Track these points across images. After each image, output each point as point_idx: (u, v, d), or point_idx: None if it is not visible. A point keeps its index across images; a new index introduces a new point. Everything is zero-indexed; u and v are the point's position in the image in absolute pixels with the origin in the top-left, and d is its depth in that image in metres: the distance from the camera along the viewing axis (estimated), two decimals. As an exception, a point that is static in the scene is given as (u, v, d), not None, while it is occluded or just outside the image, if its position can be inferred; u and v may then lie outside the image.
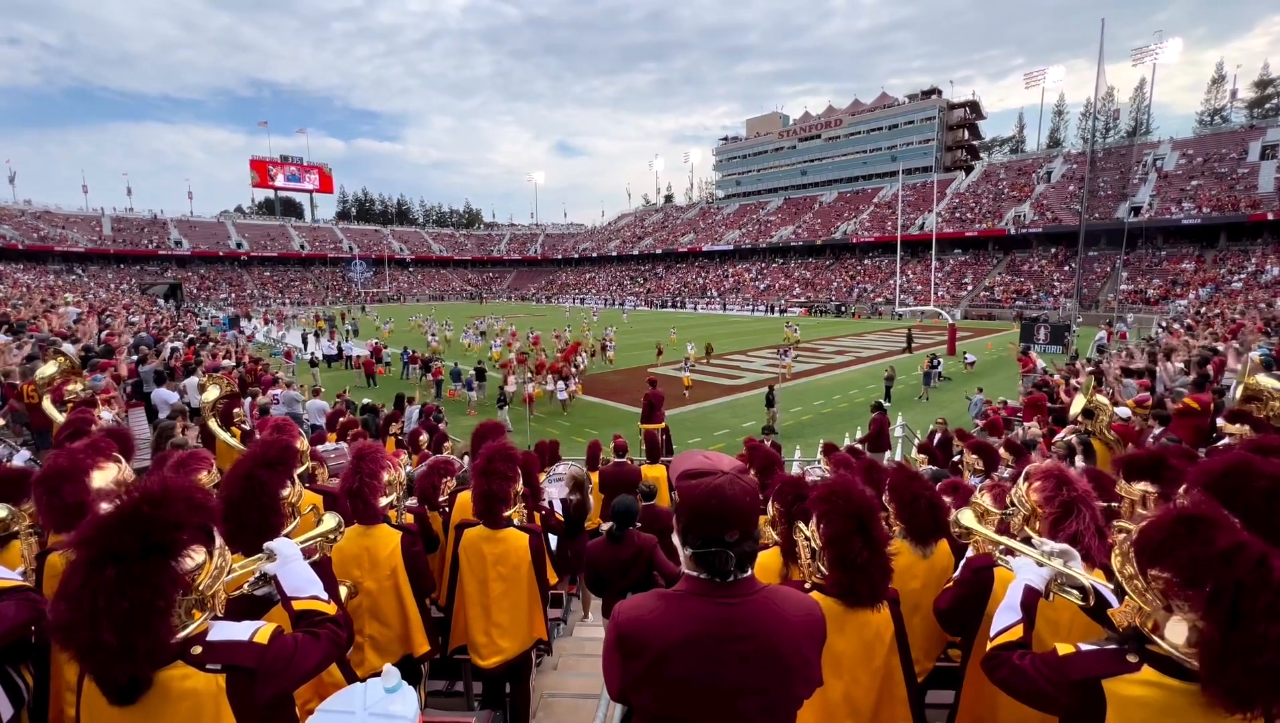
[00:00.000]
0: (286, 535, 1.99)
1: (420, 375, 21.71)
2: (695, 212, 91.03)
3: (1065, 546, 1.78)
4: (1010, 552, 1.95)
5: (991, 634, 1.71)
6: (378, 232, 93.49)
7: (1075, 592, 1.74)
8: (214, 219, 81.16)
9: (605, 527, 3.82)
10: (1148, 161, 50.04)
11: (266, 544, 1.73)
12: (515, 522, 2.94)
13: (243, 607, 1.87)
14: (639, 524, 3.70)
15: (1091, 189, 43.95)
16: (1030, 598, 1.72)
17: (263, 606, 1.93)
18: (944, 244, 52.79)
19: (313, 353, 24.78)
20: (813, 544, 2.02)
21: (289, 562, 1.72)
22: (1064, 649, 1.50)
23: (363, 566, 2.60)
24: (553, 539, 4.37)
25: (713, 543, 1.37)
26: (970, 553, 2.43)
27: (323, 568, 2.02)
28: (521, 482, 3.03)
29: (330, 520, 2.12)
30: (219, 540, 1.47)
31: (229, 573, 1.56)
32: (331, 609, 1.73)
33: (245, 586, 1.75)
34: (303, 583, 1.72)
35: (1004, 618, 1.71)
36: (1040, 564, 1.75)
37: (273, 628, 1.51)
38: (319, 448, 4.19)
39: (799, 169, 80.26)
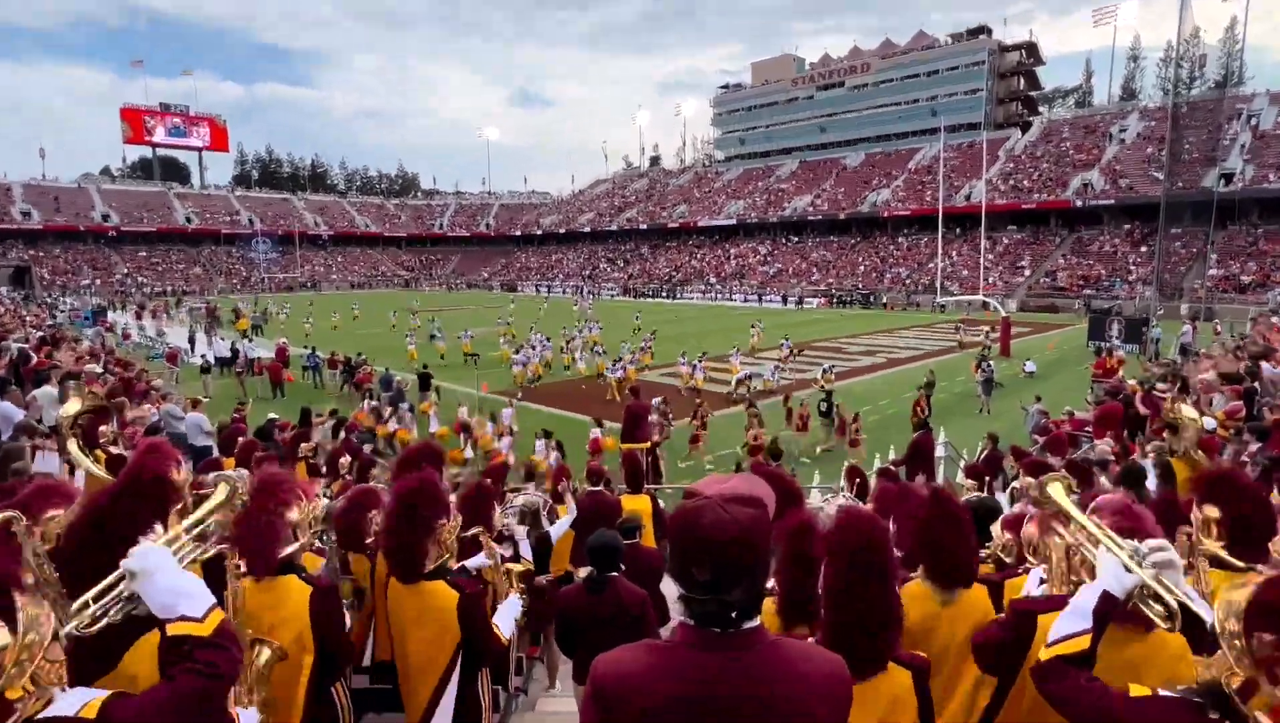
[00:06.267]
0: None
1: (341, 383, 21.50)
2: (689, 177, 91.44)
3: (1171, 552, 1.82)
4: (1094, 542, 2.02)
5: (1050, 639, 1.81)
6: (286, 201, 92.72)
7: (1158, 608, 1.78)
8: (73, 184, 79.67)
9: (581, 572, 3.80)
10: (1241, 118, 51.38)
11: (124, 563, 1.71)
12: (448, 575, 2.89)
13: (112, 637, 1.83)
14: (623, 567, 3.69)
15: (1173, 152, 44.93)
16: (1107, 606, 1.78)
17: (145, 625, 1.91)
18: (996, 218, 53.58)
19: (204, 356, 24.43)
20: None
21: (149, 576, 1.70)
22: (1138, 691, 1.62)
23: (259, 626, 2.53)
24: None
25: (689, 584, 1.41)
26: (1032, 585, 2.49)
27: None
28: (456, 524, 3.00)
29: (220, 492, 2.12)
30: (28, 611, 1.45)
31: (81, 617, 1.64)
32: (204, 629, 1.70)
33: (114, 611, 1.74)
34: (168, 599, 1.70)
35: (1069, 623, 1.80)
36: (1128, 569, 1.80)
37: (104, 698, 1.51)
38: (214, 478, 4.13)
39: (817, 125, 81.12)
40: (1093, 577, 2.12)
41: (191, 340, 30.03)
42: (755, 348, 28.66)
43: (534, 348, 24.26)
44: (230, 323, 37.97)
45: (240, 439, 7.60)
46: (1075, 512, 2.16)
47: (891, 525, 3.51)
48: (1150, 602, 1.79)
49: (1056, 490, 2.24)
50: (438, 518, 2.83)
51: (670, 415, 15.70)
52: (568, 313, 45.79)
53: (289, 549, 2.62)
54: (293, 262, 78.38)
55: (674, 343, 27.88)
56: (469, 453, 13.55)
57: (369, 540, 3.70)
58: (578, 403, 19.82)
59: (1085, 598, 1.81)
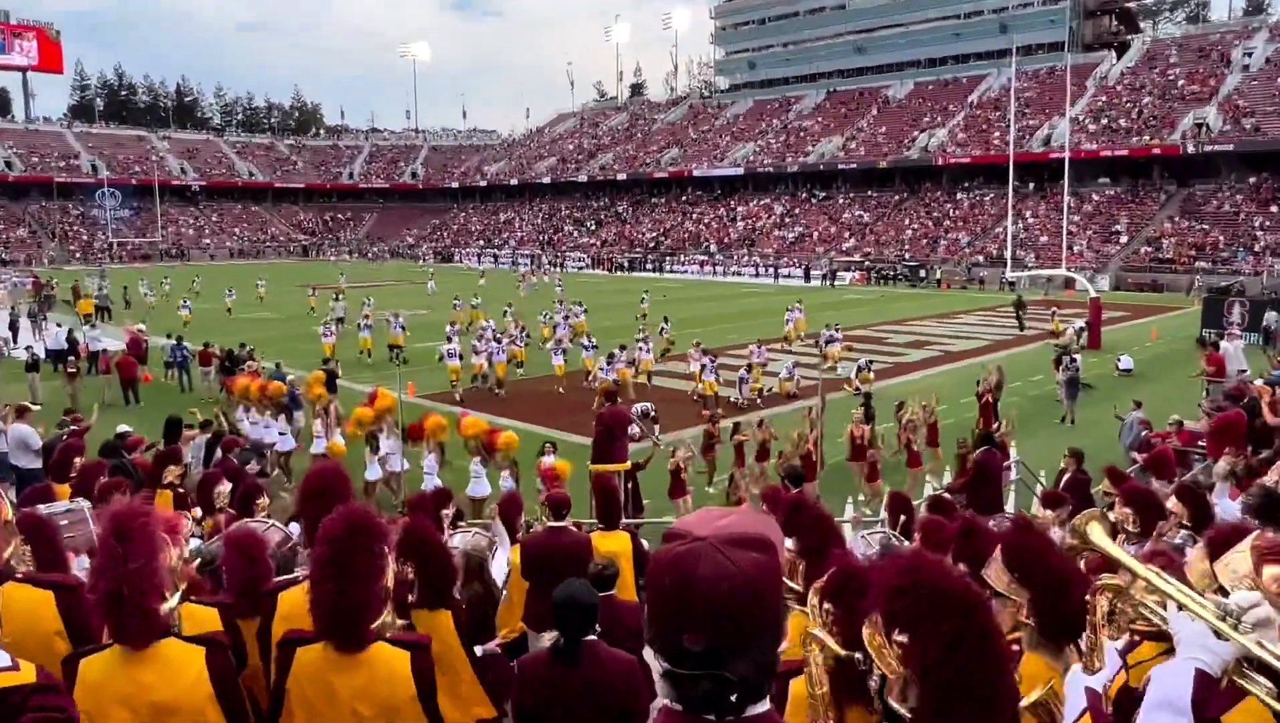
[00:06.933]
0: None
1: (219, 386, 21.30)
2: (683, 112, 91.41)
3: (1267, 606, 1.79)
4: (1166, 604, 1.99)
5: None
6: (143, 140, 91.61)
7: (1264, 682, 1.75)
8: None
9: (545, 637, 3.77)
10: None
11: None
12: (387, 633, 2.92)
13: None
14: (598, 629, 3.69)
15: (1312, 83, 45.32)
16: (1207, 691, 1.72)
17: None
18: (1083, 168, 54.11)
19: (30, 348, 24.08)
20: (880, 665, 2.01)
21: None
22: None
23: (139, 710, 2.55)
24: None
25: (677, 656, 1.37)
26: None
27: None
28: (397, 570, 3.00)
29: None
30: None
31: None
32: (27, 675, 1.77)
33: None
34: None
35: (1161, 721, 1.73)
36: (1220, 636, 1.76)
37: None
38: (43, 509, 4.07)
39: (851, 44, 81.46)
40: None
41: (14, 327, 29.55)
42: (791, 338, 28.45)
43: (497, 341, 23.53)
44: (67, 304, 37.41)
45: (78, 460, 7.50)
46: (1128, 560, 2.15)
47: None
48: (1253, 675, 1.75)
49: (1096, 532, 2.22)
50: (384, 559, 2.84)
51: (714, 430, 15.19)
52: (510, 290, 45.69)
53: (168, 604, 2.64)
54: (152, 222, 77.41)
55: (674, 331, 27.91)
56: (373, 473, 13.49)
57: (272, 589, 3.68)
58: (543, 412, 19.81)
59: (1171, 685, 1.75)
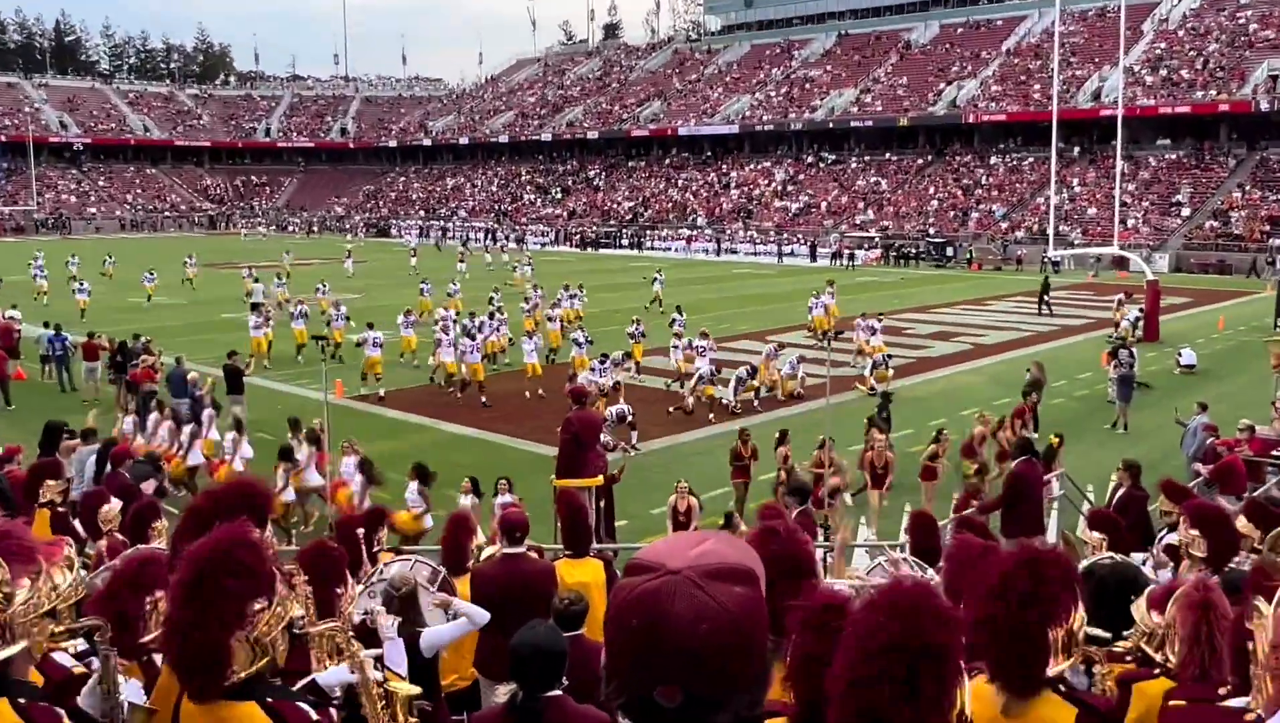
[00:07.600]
0: None
1: (111, 381, 21.09)
2: (665, 58, 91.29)
3: None
4: None
5: None
6: (14, 87, 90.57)
7: None
8: None
9: (501, 691, 3.75)
10: None
11: None
12: (266, 694, 2.88)
13: None
14: (565, 682, 3.68)
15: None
16: None
17: None
18: (1139, 128, 54.40)
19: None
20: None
21: None
22: None
23: None
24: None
25: (642, 709, 1.34)
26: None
27: None
28: (284, 613, 2.96)
29: None
30: None
31: None
32: None
33: None
34: None
35: None
36: None
37: None
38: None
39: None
40: None
41: None
42: (819, 328, 28.20)
43: (471, 337, 22.50)
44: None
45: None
46: None
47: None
48: None
49: None
50: (250, 600, 2.79)
51: (743, 449, 14.45)
52: (481, 274, 45.45)
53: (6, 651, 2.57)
54: (25, 186, 76.50)
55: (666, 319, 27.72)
56: (287, 494, 13.39)
57: (148, 638, 3.64)
58: (504, 417, 19.72)
59: None
